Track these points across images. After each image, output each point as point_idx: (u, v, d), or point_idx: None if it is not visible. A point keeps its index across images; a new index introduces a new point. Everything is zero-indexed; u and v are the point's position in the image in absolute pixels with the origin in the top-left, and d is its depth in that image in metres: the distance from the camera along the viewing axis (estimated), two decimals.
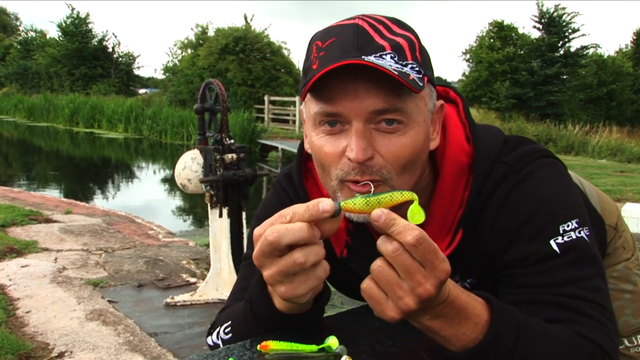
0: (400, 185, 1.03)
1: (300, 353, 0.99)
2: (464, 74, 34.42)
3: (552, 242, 1.05)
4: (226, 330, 1.16)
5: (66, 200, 10.07)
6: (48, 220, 7.81)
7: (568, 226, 1.06)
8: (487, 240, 1.12)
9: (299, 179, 1.24)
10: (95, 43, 43.00)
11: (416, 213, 0.89)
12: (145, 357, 3.90)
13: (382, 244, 0.85)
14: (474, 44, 33.38)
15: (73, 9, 43.18)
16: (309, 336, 1.03)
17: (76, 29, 42.36)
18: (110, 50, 43.41)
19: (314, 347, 1.00)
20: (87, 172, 18.19)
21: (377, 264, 0.86)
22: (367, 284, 0.88)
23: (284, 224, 0.88)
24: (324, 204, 0.86)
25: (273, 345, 0.98)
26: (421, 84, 0.98)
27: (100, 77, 40.87)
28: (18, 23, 65.61)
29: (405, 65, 0.99)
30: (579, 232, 1.06)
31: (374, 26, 1.02)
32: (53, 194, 12.25)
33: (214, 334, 1.19)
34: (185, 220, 10.95)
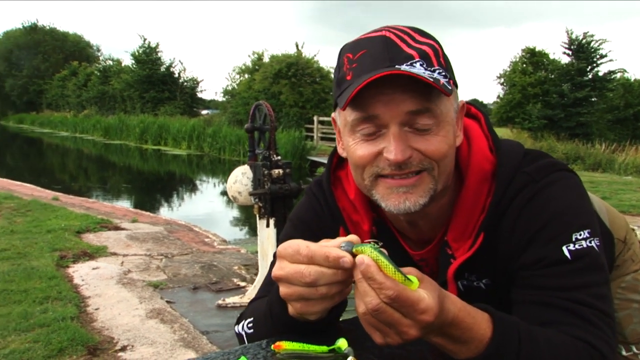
0: (441, 173, 1.05)
1: (310, 353, 0.99)
2: (498, 96, 33.91)
3: (564, 248, 1.04)
4: (249, 325, 1.18)
5: (133, 210, 10.31)
6: (117, 228, 8.00)
7: (580, 235, 1.05)
8: (505, 243, 1.11)
9: (328, 186, 1.25)
10: (164, 69, 43.98)
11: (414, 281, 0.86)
12: (197, 353, 3.95)
13: (364, 298, 0.84)
14: (508, 69, 32.86)
15: (145, 40, 44.43)
16: (323, 338, 1.03)
17: (147, 57, 43.48)
18: (177, 75, 44.31)
19: (324, 348, 1.00)
20: (154, 185, 18.61)
21: (362, 312, 0.85)
22: (360, 316, 0.88)
23: (321, 268, 0.88)
24: (344, 261, 0.86)
25: (286, 346, 0.99)
26: (450, 88, 1.00)
27: (167, 100, 41.74)
28: (99, 54, 67.95)
29: (434, 71, 1.00)
30: (590, 242, 1.05)
31: (400, 37, 1.03)
32: (123, 204, 12.56)
33: (241, 324, 1.21)
34: (238, 230, 11.06)
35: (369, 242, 0.87)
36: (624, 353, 1.47)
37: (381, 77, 0.95)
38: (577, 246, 1.04)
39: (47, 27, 67.18)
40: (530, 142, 22.34)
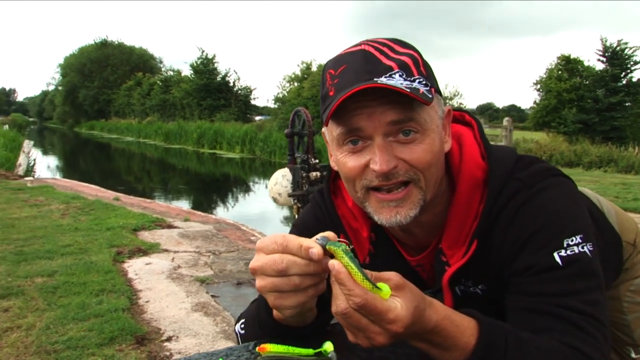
0: (428, 183, 1.02)
1: (293, 356, 0.97)
2: (535, 102, 33.48)
3: (555, 254, 0.99)
4: (242, 326, 1.18)
5: (186, 210, 10.45)
6: (170, 226, 8.12)
7: (572, 241, 1.00)
8: (497, 250, 1.07)
9: (328, 194, 1.24)
10: (220, 79, 44.57)
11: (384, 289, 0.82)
12: (236, 344, 3.97)
13: (336, 300, 0.83)
14: (544, 76, 32.38)
15: (203, 52, 45.20)
16: (311, 340, 1.01)
17: (205, 68, 44.24)
18: (232, 84, 44.81)
19: (310, 351, 0.97)
20: (208, 186, 18.91)
21: (334, 312, 0.84)
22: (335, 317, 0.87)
23: (294, 257, 0.87)
24: (313, 252, 0.86)
25: (270, 348, 0.97)
26: (430, 96, 0.97)
27: (222, 107, 42.32)
28: (161, 65, 69.63)
29: (414, 81, 0.97)
30: (582, 247, 1.00)
31: (379, 49, 1.00)
32: (177, 204, 12.79)
33: (238, 324, 1.22)
34: (284, 229, 11.10)
35: (342, 244, 0.84)
36: (633, 355, 1.42)
37: (361, 90, 0.93)
38: (568, 252, 0.99)
39: (116, 42, 69.45)
40: (565, 146, 21.75)
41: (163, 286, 5.31)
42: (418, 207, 1.02)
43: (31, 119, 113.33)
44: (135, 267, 5.94)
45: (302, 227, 1.30)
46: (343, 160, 1.03)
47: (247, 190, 18.71)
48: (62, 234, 7.25)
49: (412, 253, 1.20)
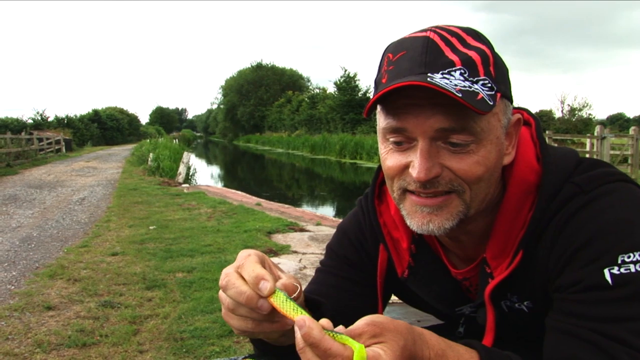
0: (474, 197, 0.86)
1: None
2: None
3: (606, 271, 0.79)
4: None
5: (319, 215, 10.54)
6: (302, 230, 8.21)
7: (629, 257, 0.79)
8: (544, 261, 0.88)
9: (372, 200, 1.11)
10: (361, 95, 45.39)
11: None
12: None
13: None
14: None
15: (345, 70, 46.57)
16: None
17: (347, 85, 45.46)
18: None
19: None
20: (346, 193, 19.10)
21: None
22: None
23: (236, 280, 0.78)
24: (264, 285, 0.75)
25: None
26: (491, 103, 0.80)
27: (363, 121, 42.81)
28: (309, 84, 72.88)
29: (476, 82, 0.80)
30: None
31: (446, 39, 0.83)
32: (314, 209, 13.05)
33: None
34: None
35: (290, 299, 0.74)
36: None
37: (410, 85, 0.78)
38: (622, 270, 0.78)
39: (269, 65, 74.34)
40: None
41: None
42: (456, 219, 0.87)
43: (198, 134, 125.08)
44: None
45: (342, 230, 1.20)
46: (385, 155, 0.91)
47: None
48: (205, 234, 7.71)
49: (459, 265, 1.04)
